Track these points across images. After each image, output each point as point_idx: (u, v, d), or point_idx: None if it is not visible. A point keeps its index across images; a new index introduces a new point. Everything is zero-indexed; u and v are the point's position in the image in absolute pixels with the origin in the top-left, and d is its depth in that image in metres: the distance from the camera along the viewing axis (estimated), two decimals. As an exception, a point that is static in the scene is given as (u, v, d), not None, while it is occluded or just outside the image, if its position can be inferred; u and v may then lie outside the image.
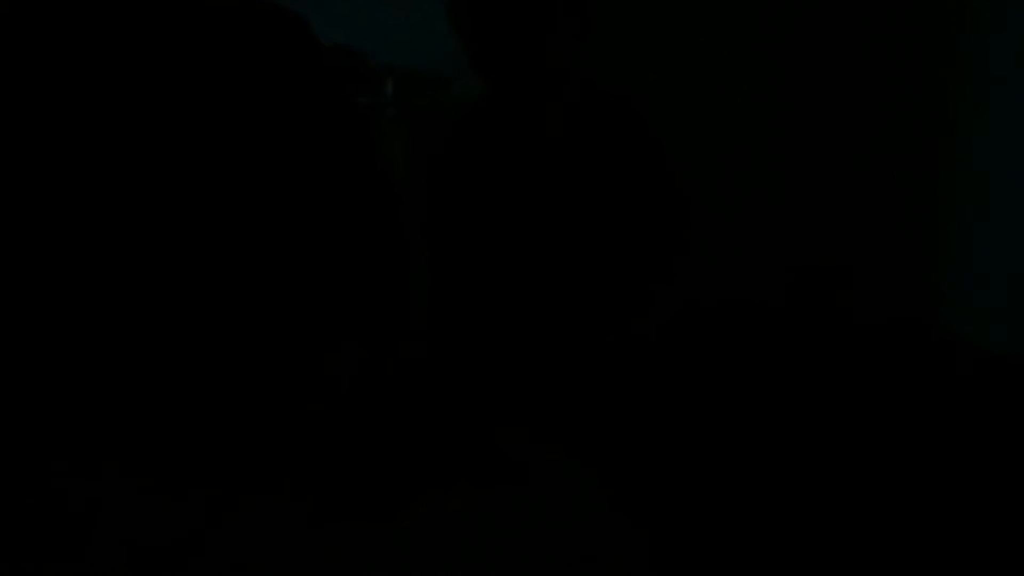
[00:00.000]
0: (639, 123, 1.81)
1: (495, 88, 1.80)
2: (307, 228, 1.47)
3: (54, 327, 1.32)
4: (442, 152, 1.86)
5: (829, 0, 2.68)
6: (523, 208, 1.78)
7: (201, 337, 1.37)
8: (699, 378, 1.73)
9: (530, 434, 1.39)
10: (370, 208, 1.57)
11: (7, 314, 1.31)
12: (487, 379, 1.64)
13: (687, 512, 1.38)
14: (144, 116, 1.34)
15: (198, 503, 1.18)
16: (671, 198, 1.83)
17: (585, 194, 1.78)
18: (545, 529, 1.21)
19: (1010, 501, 1.55)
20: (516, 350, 1.75)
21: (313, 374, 1.38)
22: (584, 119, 1.79)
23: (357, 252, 1.52)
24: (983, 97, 2.57)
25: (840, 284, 2.28)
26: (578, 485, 1.31)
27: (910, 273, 2.43)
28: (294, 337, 1.42)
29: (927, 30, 2.56)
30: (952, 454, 1.69)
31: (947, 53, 2.52)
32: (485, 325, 1.78)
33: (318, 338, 1.43)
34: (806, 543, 1.44)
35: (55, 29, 1.32)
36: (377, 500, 1.23)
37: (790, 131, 2.50)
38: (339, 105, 1.55)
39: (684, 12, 2.57)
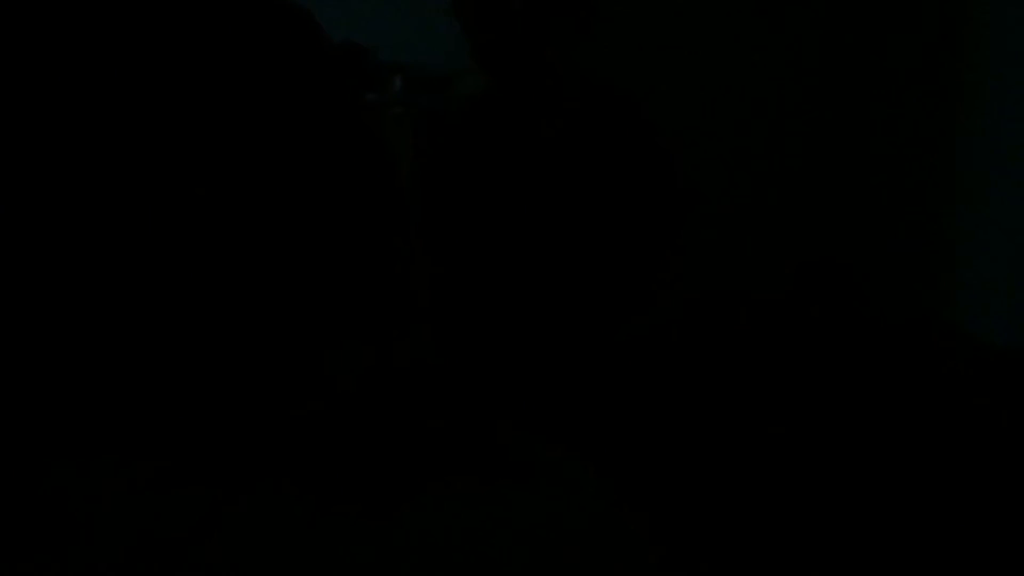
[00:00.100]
0: (641, 119, 1.81)
1: (498, 84, 1.81)
2: (311, 225, 1.47)
3: (54, 324, 1.33)
4: (445, 148, 1.86)
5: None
6: (524, 204, 1.78)
7: (202, 334, 1.37)
8: (702, 374, 1.73)
9: (531, 431, 1.39)
10: (374, 205, 1.57)
11: (6, 311, 1.32)
12: (488, 376, 1.64)
13: (689, 509, 1.38)
14: (149, 112, 1.34)
15: (198, 500, 1.18)
16: (673, 193, 1.83)
17: (586, 190, 1.78)
18: (546, 526, 1.21)
19: (1014, 498, 1.54)
20: (517, 346, 1.75)
21: (314, 372, 1.38)
22: (586, 115, 1.79)
23: (360, 249, 1.52)
24: (991, 92, 2.56)
25: (845, 279, 2.27)
26: (579, 482, 1.30)
27: (915, 268, 2.42)
28: (295, 334, 1.42)
29: (934, 23, 2.55)
30: (956, 450, 1.69)
31: (953, 48, 2.51)
32: (487, 321, 1.79)
33: (319, 336, 1.43)
34: (809, 539, 1.44)
35: (59, 24, 1.32)
36: (378, 497, 1.23)
37: (795, 125, 2.49)
38: (347, 102, 1.55)
39: (689, 8, 2.56)
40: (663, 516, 1.33)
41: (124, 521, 1.14)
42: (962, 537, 1.50)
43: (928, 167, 2.52)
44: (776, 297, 2.06)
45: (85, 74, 1.32)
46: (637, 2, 2.50)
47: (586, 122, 1.79)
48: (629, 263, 1.80)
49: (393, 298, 1.53)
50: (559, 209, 1.78)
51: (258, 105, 1.41)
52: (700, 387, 1.69)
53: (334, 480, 1.24)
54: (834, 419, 1.70)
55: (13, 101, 1.30)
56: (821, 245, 2.38)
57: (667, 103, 1.93)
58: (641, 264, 1.81)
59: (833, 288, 2.15)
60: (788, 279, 2.19)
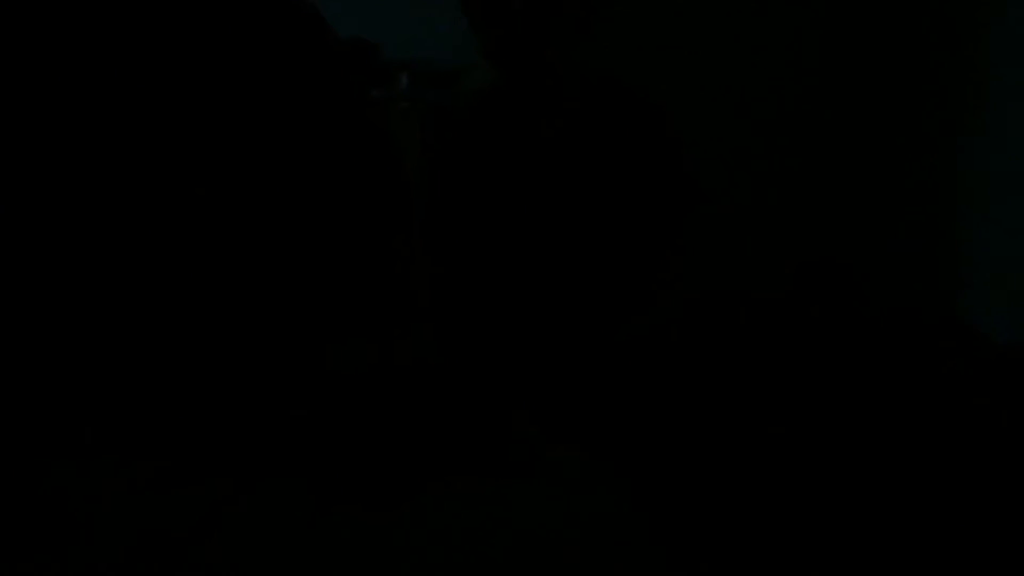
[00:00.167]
0: (649, 115, 1.81)
1: (506, 80, 1.81)
2: (314, 222, 1.47)
3: (54, 324, 1.33)
4: (452, 143, 1.86)
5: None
6: (529, 199, 1.78)
7: (206, 331, 1.37)
8: (703, 372, 1.73)
9: (539, 427, 1.38)
10: (378, 203, 1.56)
11: (13, 304, 1.32)
12: (496, 372, 1.64)
13: (697, 504, 1.38)
14: (156, 108, 1.34)
15: (198, 500, 1.18)
16: (677, 190, 1.83)
17: (590, 186, 1.78)
18: (555, 522, 1.21)
19: (1016, 496, 1.54)
20: (522, 344, 1.75)
21: (316, 369, 1.38)
22: (590, 112, 1.79)
23: (362, 247, 1.52)
24: (993, 88, 2.55)
25: (846, 278, 2.27)
26: (587, 478, 1.30)
27: (917, 266, 2.41)
28: (297, 332, 1.42)
29: (935, 20, 2.54)
30: (959, 449, 1.68)
31: (956, 44, 2.51)
32: (492, 318, 1.78)
33: (321, 333, 1.43)
34: (810, 538, 1.44)
35: (62, 20, 1.32)
36: (384, 493, 1.23)
37: (795, 123, 2.48)
38: (353, 99, 1.55)
39: (690, 6, 2.56)
40: (665, 513, 1.33)
41: (124, 521, 1.15)
42: (965, 536, 1.49)
43: (930, 164, 2.51)
44: (777, 296, 2.05)
45: (88, 72, 1.32)
46: (640, 1, 2.50)
47: (591, 119, 1.79)
48: (632, 260, 1.80)
49: (394, 296, 1.53)
50: (563, 205, 1.77)
51: (264, 102, 1.41)
52: (702, 385, 1.69)
53: (336, 479, 1.24)
54: (837, 418, 1.69)
55: (24, 96, 1.30)
56: (822, 243, 2.37)
57: (674, 98, 1.92)
58: (644, 261, 1.80)
59: (834, 287, 2.15)
60: (789, 278, 2.18)
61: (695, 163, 1.88)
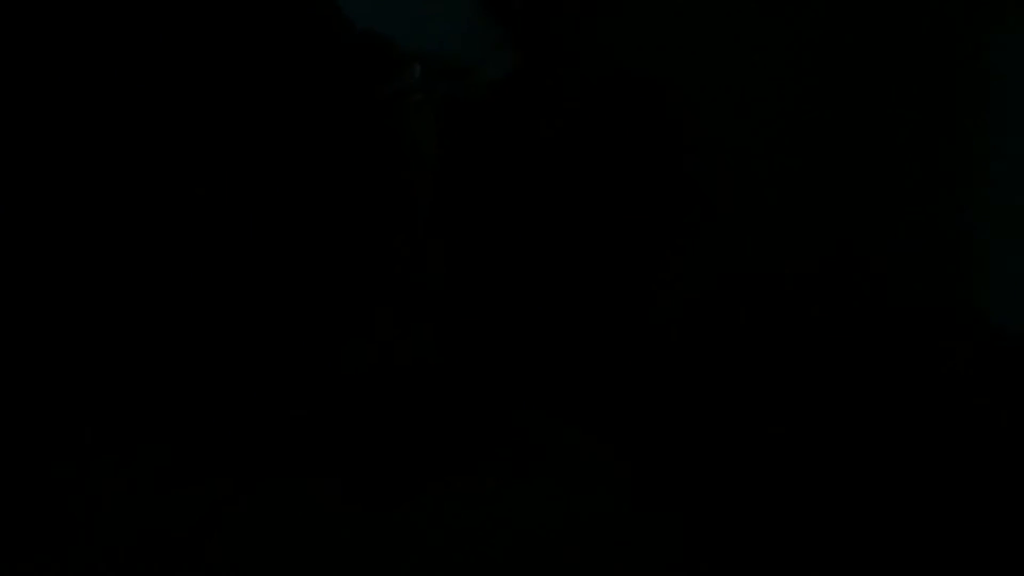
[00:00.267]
0: (663, 107, 1.81)
1: (524, 69, 1.81)
2: (328, 215, 1.47)
3: (58, 322, 1.33)
4: (465, 136, 1.86)
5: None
6: (541, 190, 1.78)
7: (220, 327, 1.38)
8: (718, 362, 1.72)
9: (550, 416, 1.39)
10: (393, 194, 1.57)
11: (31, 294, 1.32)
12: (507, 363, 1.64)
13: (708, 491, 1.38)
14: (177, 100, 1.35)
15: (201, 498, 1.19)
16: (692, 182, 1.82)
17: (604, 178, 1.78)
18: (565, 509, 1.21)
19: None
20: (537, 333, 1.75)
21: (332, 360, 1.38)
22: (606, 104, 1.79)
23: (378, 239, 1.52)
24: (1020, 77, 2.52)
25: (866, 267, 2.25)
26: (598, 466, 1.31)
27: (939, 256, 2.39)
28: (312, 324, 1.43)
29: (957, 9, 2.52)
30: (982, 443, 1.67)
31: (980, 33, 2.48)
32: (506, 308, 1.78)
33: (336, 325, 1.43)
34: (832, 524, 1.43)
35: (71, 16, 1.32)
36: (385, 492, 1.23)
37: (821, 106, 2.46)
38: (369, 91, 1.56)
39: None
40: (681, 497, 1.33)
41: (126, 519, 1.15)
42: (988, 534, 1.48)
43: (951, 153, 2.48)
44: (793, 286, 2.04)
45: (99, 68, 1.32)
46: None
47: (605, 112, 1.79)
48: (642, 251, 1.80)
49: (410, 285, 1.54)
50: (575, 197, 1.77)
51: (285, 95, 1.42)
52: (717, 376, 1.69)
53: (337, 478, 1.25)
54: (851, 410, 1.68)
55: (29, 94, 1.31)
56: (840, 234, 2.35)
57: (683, 92, 1.91)
58: (654, 252, 1.80)
59: (854, 276, 2.13)
60: (806, 268, 2.16)
61: (709, 155, 1.88)
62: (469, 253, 1.80)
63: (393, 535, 1.16)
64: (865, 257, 2.29)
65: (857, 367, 1.77)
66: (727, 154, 1.93)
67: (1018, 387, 1.78)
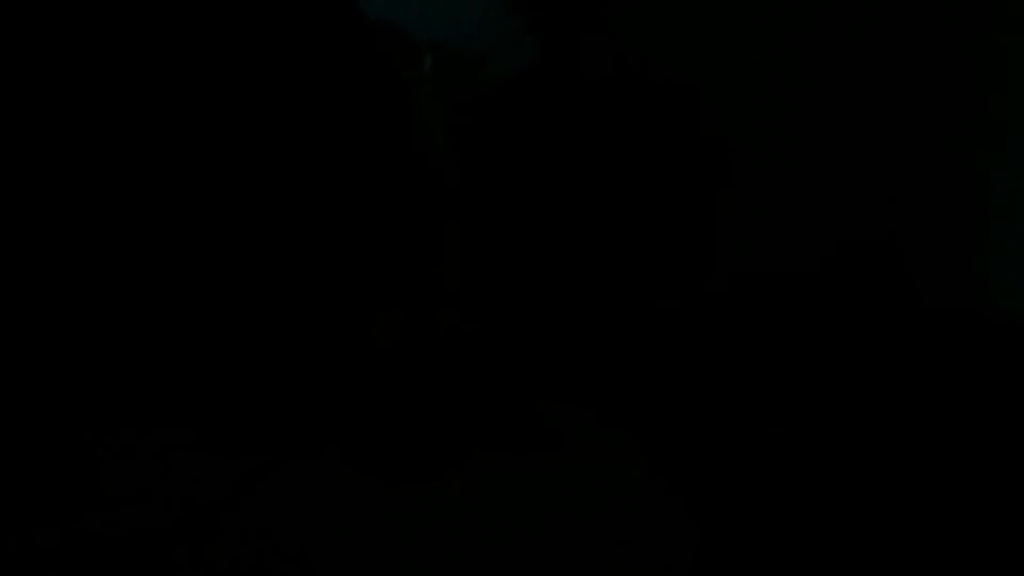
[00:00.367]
0: (683, 98, 1.81)
1: (545, 59, 1.82)
2: (349, 197, 1.48)
3: (95, 294, 1.34)
4: (481, 126, 1.86)
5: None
6: (559, 182, 1.78)
7: (251, 305, 1.38)
8: (737, 351, 1.73)
9: (568, 404, 1.39)
10: (411, 178, 1.57)
11: (56, 273, 1.33)
12: (527, 349, 1.64)
13: (724, 481, 1.39)
14: (195, 88, 1.35)
15: (237, 466, 1.20)
16: (712, 171, 1.83)
17: (624, 169, 1.79)
18: (583, 494, 1.22)
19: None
20: (556, 320, 1.75)
21: (359, 340, 1.39)
22: (626, 94, 1.79)
23: (397, 221, 1.53)
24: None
25: (885, 259, 2.26)
26: (615, 451, 1.31)
27: (960, 248, 2.40)
28: (339, 304, 1.43)
29: (983, 3, 2.53)
30: (1002, 437, 1.68)
31: (1001, 22, 2.49)
32: (526, 295, 1.79)
33: (361, 306, 1.44)
34: (845, 512, 1.44)
35: (85, 9, 1.32)
36: (414, 467, 1.24)
37: (835, 100, 2.46)
38: (385, 79, 1.56)
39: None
40: (697, 483, 1.34)
41: (147, 497, 1.16)
42: (1005, 528, 1.49)
43: (971, 145, 2.49)
44: (814, 277, 2.05)
45: (132, 48, 1.33)
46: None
47: (624, 102, 1.80)
48: (667, 238, 1.80)
49: (430, 268, 1.54)
50: (598, 189, 1.78)
51: (302, 83, 1.42)
52: (735, 364, 1.69)
53: (372, 450, 1.25)
54: (872, 399, 1.69)
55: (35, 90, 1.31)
56: (860, 224, 2.36)
57: (704, 82, 1.92)
58: (677, 241, 1.81)
59: (873, 268, 2.14)
60: (826, 258, 2.18)
61: (730, 144, 1.89)
62: (487, 242, 1.81)
63: (408, 518, 1.16)
64: (878, 251, 2.31)
65: (871, 361, 1.78)
66: (746, 151, 1.94)
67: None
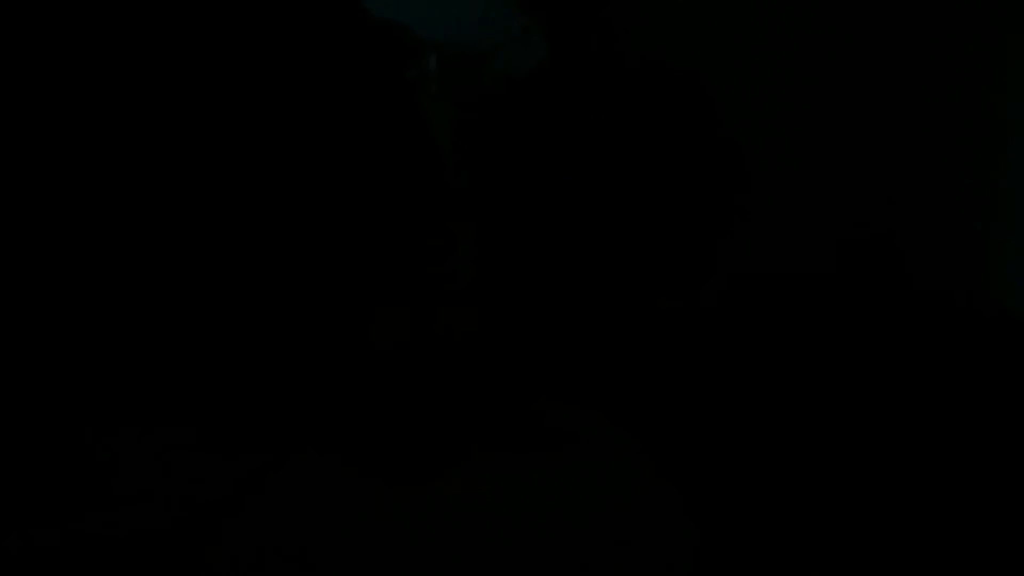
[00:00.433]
0: (695, 97, 1.81)
1: (556, 57, 1.82)
2: (348, 197, 1.48)
3: (94, 292, 1.34)
4: (488, 126, 1.86)
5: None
6: (564, 181, 1.78)
7: (251, 305, 1.38)
8: (739, 349, 1.73)
9: (570, 403, 1.39)
10: (413, 177, 1.57)
11: (67, 271, 1.33)
12: (527, 349, 1.64)
13: (723, 478, 1.38)
14: (197, 88, 1.35)
15: (238, 467, 1.20)
16: (727, 172, 1.83)
17: (635, 169, 1.79)
18: (583, 494, 1.21)
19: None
20: (557, 318, 1.75)
21: (359, 339, 1.39)
22: (637, 93, 1.79)
23: (398, 220, 1.53)
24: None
25: (890, 257, 2.26)
26: (615, 451, 1.31)
27: (965, 246, 2.39)
28: (341, 301, 1.43)
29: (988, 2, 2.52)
30: (1006, 436, 1.67)
31: (1013, 24, 2.48)
32: (526, 294, 1.79)
33: (361, 305, 1.44)
34: (846, 512, 1.44)
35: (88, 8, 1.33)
36: (418, 464, 1.24)
37: (836, 100, 2.46)
38: (390, 78, 1.56)
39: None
40: (700, 483, 1.34)
41: (163, 485, 1.16)
42: (1009, 527, 1.49)
43: (978, 144, 2.49)
44: (815, 277, 2.05)
45: (134, 46, 1.33)
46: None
47: (636, 101, 1.80)
48: (673, 237, 1.80)
49: (436, 265, 1.54)
50: (602, 188, 1.78)
51: (308, 82, 1.42)
52: (735, 365, 1.69)
53: (372, 450, 1.25)
54: (876, 397, 1.69)
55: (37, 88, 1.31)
56: (865, 221, 2.36)
57: (712, 81, 1.92)
58: (689, 242, 1.81)
59: (878, 266, 2.14)
60: (827, 258, 2.17)
61: (742, 145, 1.88)
62: (490, 241, 1.81)
63: (408, 518, 1.16)
64: (880, 251, 2.31)
65: (873, 361, 1.78)
66: (758, 151, 1.94)
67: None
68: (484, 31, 2.08)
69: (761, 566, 1.30)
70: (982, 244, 2.44)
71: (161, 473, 1.19)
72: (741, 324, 1.77)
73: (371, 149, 1.51)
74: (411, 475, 1.23)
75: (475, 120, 1.91)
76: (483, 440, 1.31)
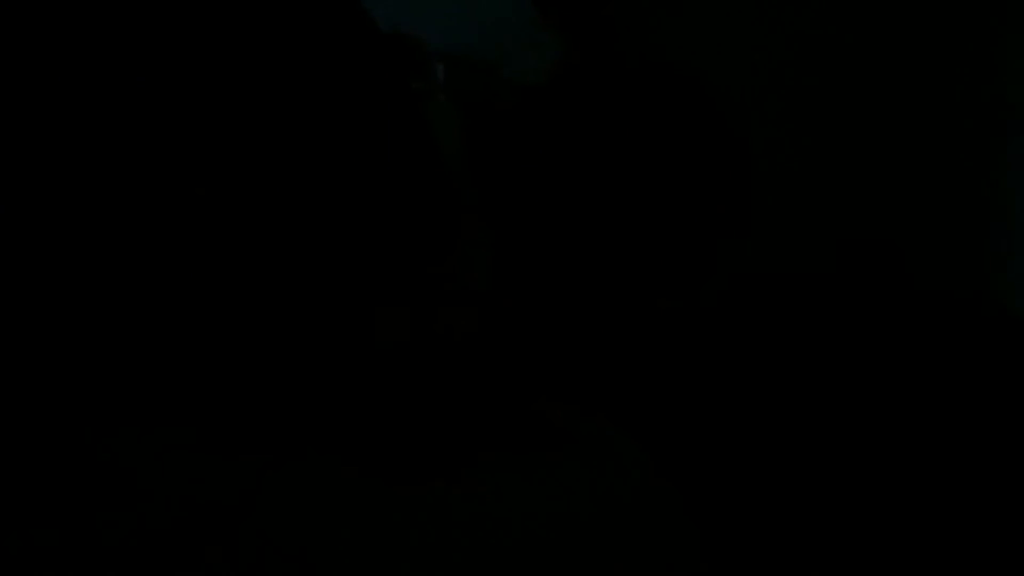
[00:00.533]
0: (701, 100, 1.82)
1: (573, 64, 1.83)
2: (349, 201, 1.48)
3: (108, 286, 1.35)
4: (499, 136, 1.87)
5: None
6: (574, 180, 1.79)
7: (251, 305, 1.39)
8: (739, 349, 1.73)
9: (569, 402, 1.39)
10: (417, 184, 1.58)
11: (67, 268, 1.34)
12: (527, 349, 1.65)
13: (727, 478, 1.38)
14: (201, 93, 1.36)
15: (243, 468, 1.20)
16: (730, 177, 1.83)
17: (641, 170, 1.79)
18: (583, 494, 1.21)
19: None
20: (558, 319, 1.76)
21: (360, 339, 1.39)
22: (648, 98, 1.80)
23: (399, 223, 1.53)
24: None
25: (889, 258, 2.26)
26: (615, 451, 1.31)
27: (964, 246, 2.39)
28: (338, 303, 1.44)
29: (987, 4, 2.52)
30: (1006, 437, 1.67)
31: (1012, 26, 2.48)
32: (529, 295, 1.79)
33: (362, 305, 1.44)
34: (846, 512, 1.44)
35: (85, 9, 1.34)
36: (418, 464, 1.24)
37: (836, 100, 2.46)
38: (397, 89, 1.57)
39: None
40: (702, 484, 1.34)
41: (163, 485, 1.16)
42: (1010, 528, 1.48)
43: (977, 140, 2.48)
44: (815, 277, 2.05)
45: (136, 50, 1.34)
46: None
47: (647, 107, 1.80)
48: (673, 237, 1.81)
49: (439, 266, 1.54)
50: (605, 184, 1.78)
51: (314, 91, 1.43)
52: (736, 365, 1.69)
53: (372, 450, 1.26)
54: (876, 403, 1.69)
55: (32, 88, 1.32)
56: (865, 221, 2.36)
57: (715, 82, 1.93)
58: (685, 238, 1.81)
59: (878, 266, 2.14)
60: (831, 256, 2.18)
61: (750, 149, 1.89)
62: (496, 243, 1.81)
63: (408, 518, 1.16)
64: (880, 252, 2.30)
65: (873, 361, 1.77)
66: (758, 151, 1.94)
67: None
68: (496, 39, 2.09)
69: (761, 566, 1.30)
70: (983, 244, 2.44)
71: (161, 473, 1.19)
72: (741, 324, 1.77)
73: (370, 154, 1.52)
74: (411, 475, 1.23)
75: (489, 128, 1.92)
76: (483, 440, 1.31)
